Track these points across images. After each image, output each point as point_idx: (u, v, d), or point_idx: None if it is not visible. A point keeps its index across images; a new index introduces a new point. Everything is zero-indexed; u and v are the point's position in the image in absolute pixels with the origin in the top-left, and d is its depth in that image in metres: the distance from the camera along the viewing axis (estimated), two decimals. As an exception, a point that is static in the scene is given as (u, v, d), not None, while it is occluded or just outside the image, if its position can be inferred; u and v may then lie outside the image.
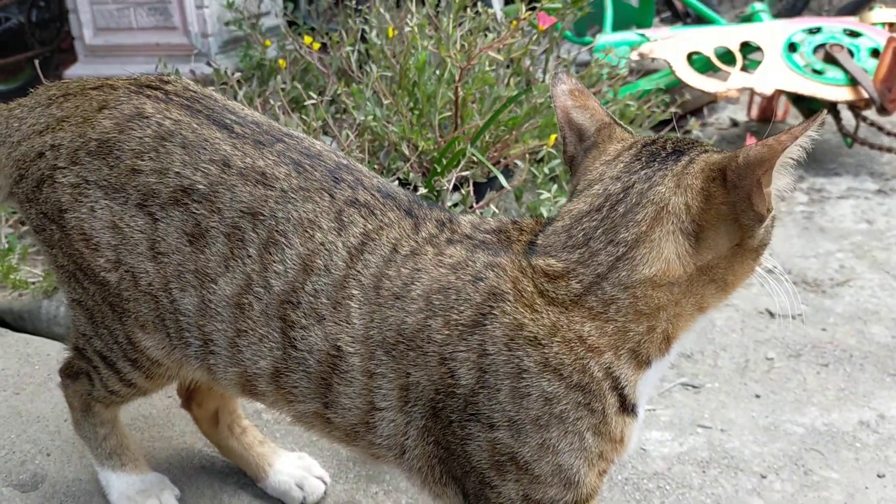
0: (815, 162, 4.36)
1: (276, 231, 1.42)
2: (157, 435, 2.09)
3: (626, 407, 1.28)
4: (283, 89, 3.21)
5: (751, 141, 3.45)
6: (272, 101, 3.13)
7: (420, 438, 1.38)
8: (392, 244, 1.40)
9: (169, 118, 1.51)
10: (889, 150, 4.24)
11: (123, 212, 1.50)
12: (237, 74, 3.29)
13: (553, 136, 2.80)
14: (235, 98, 3.09)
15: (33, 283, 2.62)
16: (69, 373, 1.80)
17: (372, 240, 1.40)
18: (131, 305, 1.56)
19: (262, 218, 1.43)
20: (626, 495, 2.11)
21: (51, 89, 1.65)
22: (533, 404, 1.26)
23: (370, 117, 2.88)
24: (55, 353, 1.86)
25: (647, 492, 2.12)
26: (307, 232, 1.41)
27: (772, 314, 2.97)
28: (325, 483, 1.96)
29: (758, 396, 2.51)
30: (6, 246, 2.66)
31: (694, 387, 2.56)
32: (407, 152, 2.84)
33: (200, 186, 1.45)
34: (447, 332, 1.31)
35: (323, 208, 1.42)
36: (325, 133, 3.05)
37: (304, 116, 3.00)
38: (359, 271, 1.38)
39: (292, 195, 1.43)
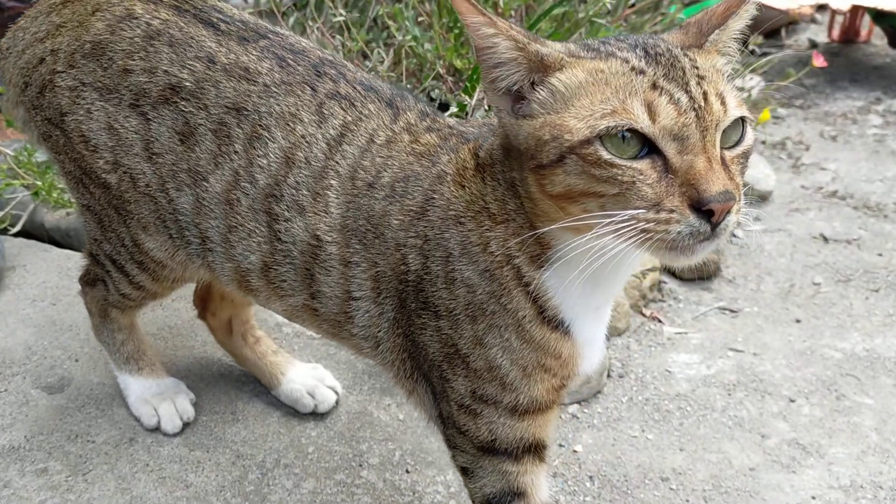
0: (894, 82, 4.09)
1: (260, 125, 1.41)
2: (180, 344, 2.16)
3: (548, 319, 1.23)
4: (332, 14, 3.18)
5: (818, 59, 3.24)
6: (311, 26, 3.10)
7: (391, 331, 1.38)
8: (369, 134, 1.38)
9: (157, 18, 1.51)
10: (979, 68, 3.94)
11: (118, 112, 1.52)
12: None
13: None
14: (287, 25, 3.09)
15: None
16: (87, 280, 1.87)
17: (350, 131, 1.39)
18: (133, 207, 1.59)
19: (246, 113, 1.42)
20: (645, 415, 2.06)
21: None
22: (459, 291, 1.25)
23: (409, 37, 2.83)
24: (91, 267, 1.94)
25: (667, 412, 2.07)
26: (289, 125, 1.40)
27: (826, 239, 2.82)
28: (336, 393, 1.98)
29: (798, 321, 2.41)
30: (44, 167, 2.75)
31: (731, 311, 2.47)
32: (442, 72, 2.79)
33: (187, 83, 1.46)
34: (401, 218, 1.31)
35: (304, 101, 1.41)
36: (365, 57, 3.02)
37: (345, 42, 2.97)
38: (337, 162, 1.38)
39: (275, 89, 1.42)
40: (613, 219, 1.04)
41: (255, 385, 2.02)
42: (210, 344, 2.11)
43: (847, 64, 4.36)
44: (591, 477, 1.88)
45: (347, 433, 1.93)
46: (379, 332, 1.40)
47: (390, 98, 1.44)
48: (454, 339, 1.29)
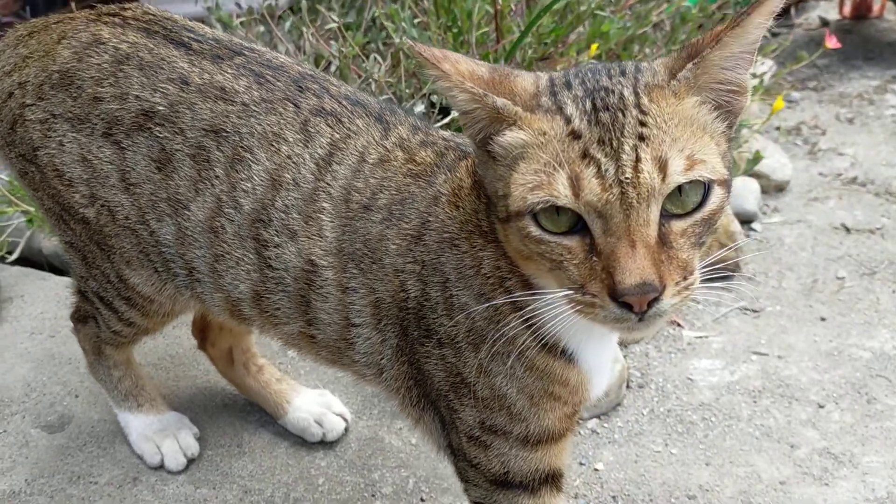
0: (912, 60, 3.97)
1: (241, 147, 1.34)
2: (182, 374, 2.09)
3: (550, 347, 1.16)
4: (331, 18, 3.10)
5: (831, 41, 3.13)
6: (305, 32, 3.02)
7: (395, 358, 1.31)
8: (360, 152, 1.31)
9: (125, 41, 1.44)
10: None
11: (91, 143, 1.45)
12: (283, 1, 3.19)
13: (595, 45, 2.60)
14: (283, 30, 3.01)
15: (78, 226, 2.65)
16: (78, 317, 1.80)
17: (340, 149, 1.31)
18: (114, 241, 1.52)
19: (225, 135, 1.35)
20: (668, 427, 1.98)
21: (19, 30, 1.60)
22: (459, 318, 1.19)
23: (405, 38, 2.74)
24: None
25: (691, 424, 1.99)
26: (273, 145, 1.33)
27: (847, 229, 2.72)
28: (345, 420, 1.91)
29: (823, 319, 2.31)
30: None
31: (753, 311, 2.38)
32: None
33: (160, 108, 1.38)
34: (398, 242, 1.24)
35: (287, 119, 1.33)
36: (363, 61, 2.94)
37: (341, 48, 2.89)
38: (328, 183, 1.30)
39: (254, 108, 1.34)
40: (552, 294, 1.02)
41: (261, 415, 1.95)
42: (212, 372, 2.04)
43: (860, 41, 4.23)
44: (613, 497, 1.80)
45: (358, 461, 1.85)
46: (382, 359, 1.33)
47: (379, 112, 1.36)
48: (458, 367, 1.22)
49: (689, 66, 1.00)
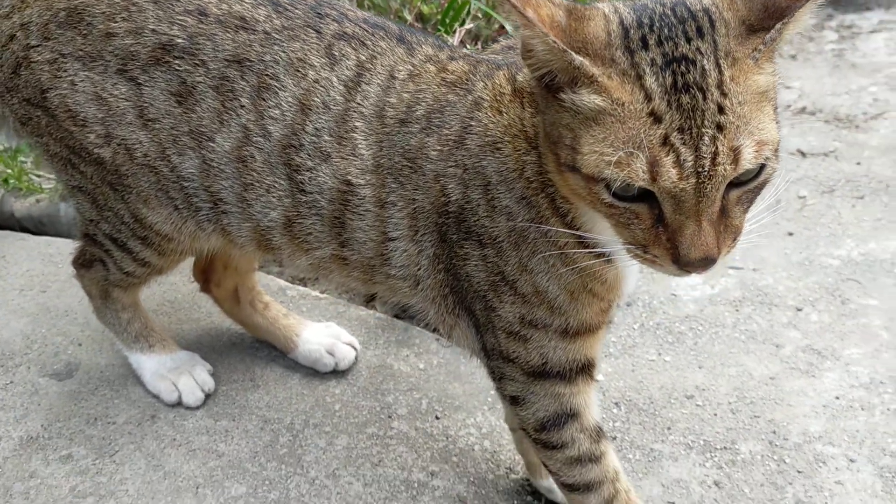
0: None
1: (266, 75, 1.36)
2: (185, 317, 2.10)
3: (590, 247, 1.21)
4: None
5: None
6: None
7: (431, 267, 1.36)
8: (388, 71, 1.34)
9: None
10: (923, -24, 4.01)
11: (104, 81, 1.44)
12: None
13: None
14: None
15: (48, 188, 2.60)
16: (82, 262, 1.79)
17: (367, 70, 1.34)
18: (130, 181, 1.52)
19: (249, 64, 1.37)
20: (659, 339, 2.08)
21: None
22: (500, 219, 1.24)
23: (370, -13, 2.77)
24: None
25: (680, 334, 2.09)
26: (299, 71, 1.35)
27: (803, 154, 2.86)
28: (355, 349, 1.95)
29: (790, 234, 2.45)
30: (13, 152, 2.64)
31: (724, 231, 2.49)
32: (410, 18, 2.73)
33: (179, 41, 1.39)
34: (440, 148, 1.28)
35: (311, 45, 1.36)
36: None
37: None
38: (359, 103, 1.34)
39: (276, 36, 1.37)
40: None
41: (270, 350, 1.98)
42: (215, 314, 2.06)
43: (794, -16, 4.41)
44: (616, 403, 1.90)
45: (371, 387, 1.90)
46: (418, 270, 1.38)
47: (399, 34, 1.40)
48: (500, 266, 1.27)
49: (778, 26, 1.00)
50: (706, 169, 0.96)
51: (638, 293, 2.24)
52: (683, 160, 0.96)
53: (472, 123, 1.26)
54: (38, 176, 2.67)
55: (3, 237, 2.44)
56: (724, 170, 0.97)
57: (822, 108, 3.16)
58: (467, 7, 2.51)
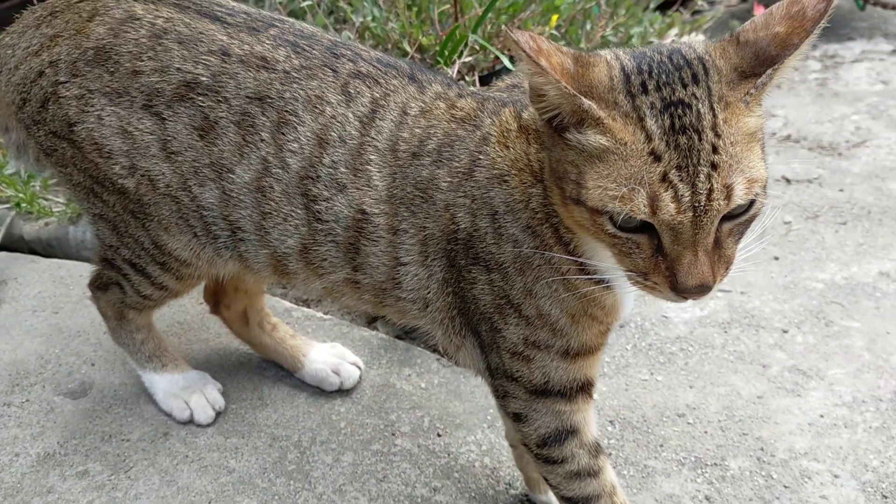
0: (828, 29, 4.22)
1: (286, 111, 1.45)
2: (194, 338, 2.17)
3: (590, 274, 1.30)
4: (280, 3, 3.19)
5: (758, 10, 3.39)
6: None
7: (440, 291, 1.44)
8: (401, 107, 1.43)
9: (160, 17, 1.52)
10: (903, 8, 4.15)
11: (130, 115, 1.53)
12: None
13: (555, 17, 2.77)
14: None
15: (57, 211, 2.68)
16: (98, 285, 1.86)
17: (381, 106, 1.43)
18: (152, 210, 1.60)
19: (269, 101, 1.45)
20: (651, 359, 2.17)
21: (36, 11, 1.65)
22: (506, 246, 1.33)
23: (369, 18, 2.86)
24: (87, 273, 1.92)
25: (671, 354, 2.18)
26: (316, 108, 1.44)
27: (788, 180, 2.97)
28: (359, 368, 2.03)
29: (776, 258, 2.54)
30: (25, 177, 2.71)
31: (713, 255, 2.59)
32: (410, 50, 2.83)
33: (203, 79, 1.48)
34: (449, 180, 1.37)
35: (328, 83, 1.45)
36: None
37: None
38: (373, 137, 1.42)
39: (295, 75, 1.45)
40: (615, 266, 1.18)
41: (277, 370, 2.06)
42: (224, 335, 2.13)
43: (779, 14, 4.54)
44: (611, 421, 1.98)
45: (375, 406, 1.98)
46: (428, 293, 1.46)
47: (410, 72, 1.49)
48: (505, 290, 1.35)
49: (769, 72, 1.09)
50: (702, 204, 1.05)
51: (630, 315, 2.32)
52: (681, 195, 1.05)
53: (481, 157, 1.35)
54: (47, 200, 2.74)
55: (14, 259, 2.51)
56: (718, 205, 1.06)
57: (807, 136, 3.28)
58: (465, 40, 2.61)
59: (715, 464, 1.84)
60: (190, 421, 1.90)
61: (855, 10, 4.37)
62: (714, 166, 1.05)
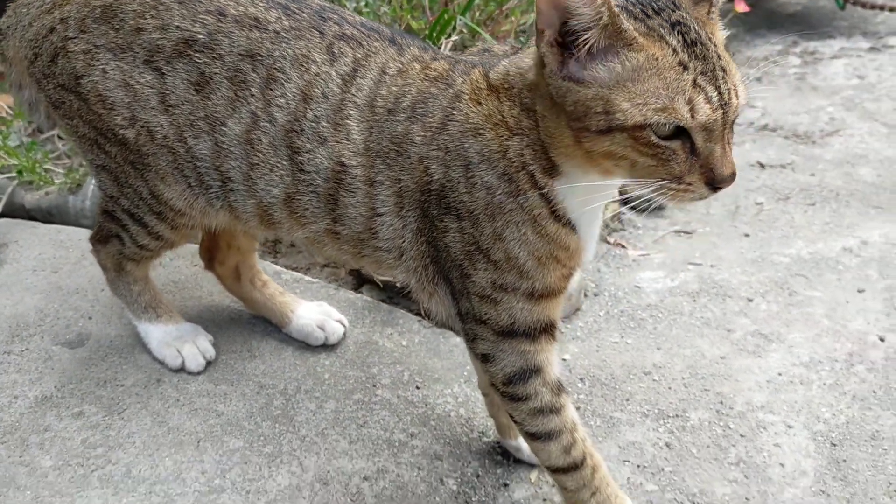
0: (809, 27, 4.40)
1: (275, 69, 1.56)
2: (188, 296, 2.28)
3: (559, 217, 1.42)
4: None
5: (740, 5, 3.49)
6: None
7: (414, 240, 1.55)
8: (380, 67, 1.54)
9: None
10: (882, 7, 4.26)
11: (132, 70, 1.64)
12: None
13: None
14: None
15: (58, 182, 2.78)
16: (99, 238, 1.97)
17: (362, 66, 1.54)
18: (151, 160, 1.71)
19: (260, 58, 1.56)
20: (622, 324, 2.28)
21: None
22: (479, 193, 1.43)
23: (362, 3, 2.98)
24: (85, 237, 2.04)
25: (641, 320, 2.29)
26: (303, 66, 1.55)
27: (762, 165, 3.09)
28: (344, 325, 2.14)
29: (747, 235, 2.66)
30: (28, 145, 2.83)
31: (686, 232, 2.71)
32: (400, 33, 2.94)
33: (200, 36, 1.59)
34: (423, 134, 1.48)
35: (314, 44, 1.56)
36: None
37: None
38: (353, 94, 1.53)
39: (285, 35, 1.56)
40: (645, 182, 1.29)
41: (266, 325, 2.16)
42: (217, 293, 2.24)
43: (765, 13, 4.65)
44: (581, 379, 2.08)
45: (358, 360, 2.09)
46: (403, 242, 1.57)
47: (392, 36, 1.60)
48: (475, 236, 1.46)
49: None
50: (727, 102, 1.22)
51: (605, 285, 2.44)
52: (711, 97, 1.21)
53: (454, 112, 1.45)
54: (47, 171, 2.84)
55: (15, 225, 2.61)
56: (736, 103, 1.24)
57: (783, 126, 3.39)
58: (453, 22, 2.73)
59: (676, 415, 1.95)
60: (182, 369, 2.01)
61: (836, 10, 4.49)
62: (724, 70, 1.24)
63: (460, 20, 2.73)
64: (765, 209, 2.80)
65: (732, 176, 1.26)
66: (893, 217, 2.70)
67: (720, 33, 1.29)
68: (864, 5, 4.25)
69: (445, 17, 2.78)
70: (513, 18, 3.11)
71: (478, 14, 3.05)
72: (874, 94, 3.60)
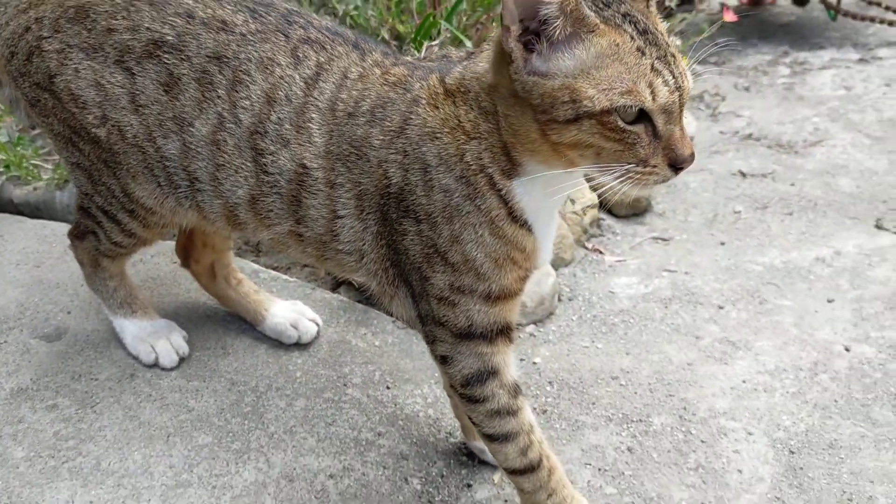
0: (801, 38, 4.43)
1: (240, 71, 1.59)
2: (165, 293, 2.31)
3: (516, 218, 1.46)
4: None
5: (728, 14, 3.52)
6: None
7: (374, 243, 1.58)
8: (342, 72, 1.57)
9: None
10: (873, 19, 4.29)
11: (104, 69, 1.68)
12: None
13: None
14: None
15: (45, 177, 2.82)
16: (77, 234, 2.01)
17: (325, 70, 1.58)
18: (122, 158, 1.74)
19: (226, 60, 1.60)
20: (594, 329, 2.31)
21: None
22: (437, 197, 1.46)
23: (351, 6, 3.02)
24: (70, 233, 2.09)
25: (613, 325, 2.32)
26: (267, 69, 1.59)
27: (743, 174, 3.12)
28: (317, 325, 2.17)
29: (722, 244, 2.69)
30: (15, 140, 2.87)
31: (663, 239, 2.74)
32: (387, 37, 2.98)
33: (169, 38, 1.62)
34: (382, 138, 1.51)
35: (279, 47, 1.59)
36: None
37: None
38: (315, 98, 1.57)
39: (251, 38, 1.60)
40: (611, 168, 1.33)
41: (241, 323, 2.20)
42: (193, 290, 2.28)
43: (756, 23, 4.69)
44: (550, 382, 2.12)
45: (330, 359, 2.12)
46: (363, 245, 1.60)
47: (355, 41, 1.64)
48: (433, 239, 1.49)
49: None
50: (681, 85, 1.29)
51: (579, 290, 2.47)
52: (668, 80, 1.27)
53: (412, 117, 1.49)
54: (36, 166, 2.88)
55: (2, 219, 2.66)
56: (688, 85, 1.31)
57: (767, 135, 3.42)
58: (437, 27, 2.76)
59: (640, 420, 1.98)
60: (155, 364, 2.04)
61: (828, 21, 4.52)
62: (674, 56, 1.31)
63: (444, 25, 2.76)
64: (742, 218, 2.83)
65: (692, 156, 1.32)
66: (868, 228, 2.73)
67: (662, 24, 1.35)
68: (855, 17, 4.27)
69: (429, 21, 2.82)
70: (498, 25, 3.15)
71: (465, 19, 3.08)
72: (859, 105, 3.63)
